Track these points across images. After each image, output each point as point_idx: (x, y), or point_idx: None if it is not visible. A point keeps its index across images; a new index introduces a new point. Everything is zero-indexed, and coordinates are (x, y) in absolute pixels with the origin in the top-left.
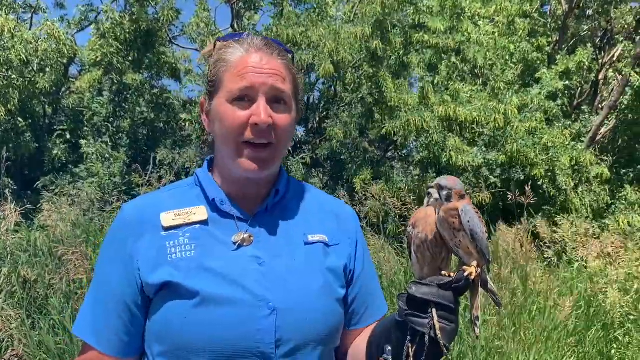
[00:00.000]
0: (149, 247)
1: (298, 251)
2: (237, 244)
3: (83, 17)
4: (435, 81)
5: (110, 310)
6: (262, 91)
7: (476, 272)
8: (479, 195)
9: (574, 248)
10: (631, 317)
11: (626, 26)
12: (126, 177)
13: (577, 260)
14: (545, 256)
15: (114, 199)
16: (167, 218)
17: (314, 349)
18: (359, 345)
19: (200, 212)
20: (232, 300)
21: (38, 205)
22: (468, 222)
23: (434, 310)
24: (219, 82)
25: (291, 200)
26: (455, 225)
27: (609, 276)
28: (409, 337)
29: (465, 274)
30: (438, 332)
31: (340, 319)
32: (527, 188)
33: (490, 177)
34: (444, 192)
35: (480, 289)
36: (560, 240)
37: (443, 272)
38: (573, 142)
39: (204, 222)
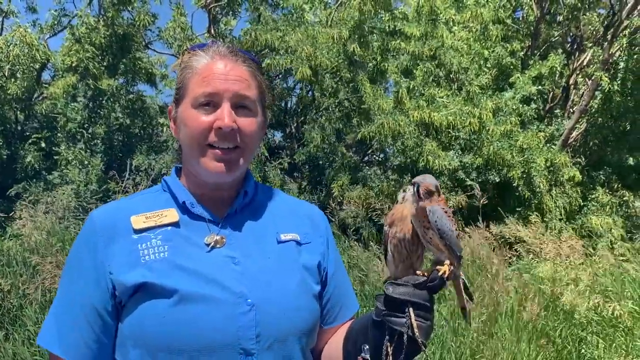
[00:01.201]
0: (121, 251)
1: (272, 250)
2: (210, 246)
3: (56, 22)
4: (411, 86)
5: (78, 318)
6: (227, 97)
7: (449, 270)
8: (455, 199)
9: (532, 250)
10: (595, 318)
11: (594, 32)
12: (103, 184)
13: (537, 263)
14: (508, 258)
15: (91, 207)
16: (138, 221)
17: (294, 343)
18: (334, 343)
19: (171, 215)
20: (210, 297)
21: (11, 214)
22: (435, 221)
23: (410, 309)
24: (184, 89)
25: (260, 202)
26: (425, 223)
27: (563, 279)
28: (387, 337)
29: (440, 273)
30: (416, 330)
31: (317, 314)
32: (477, 191)
33: (467, 180)
34: (416, 188)
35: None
36: (524, 242)
37: (417, 272)
38: (547, 145)
39: (175, 224)
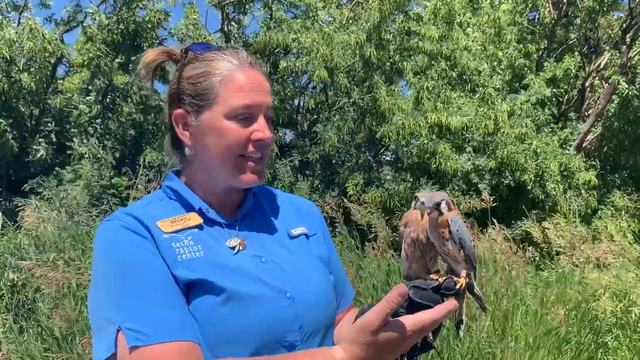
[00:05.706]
0: (159, 248)
1: (288, 246)
2: (235, 249)
3: (72, 18)
4: (425, 87)
5: (167, 293)
6: (263, 109)
7: (466, 281)
8: (469, 202)
9: (559, 252)
10: (621, 322)
11: (612, 35)
12: (114, 179)
13: (562, 267)
14: (528, 260)
15: (103, 202)
16: (165, 225)
17: (325, 333)
18: (344, 328)
19: (195, 218)
20: (255, 294)
21: (23, 208)
22: (457, 230)
23: None
24: (212, 96)
25: (263, 202)
26: (444, 235)
27: (602, 283)
28: None
29: (457, 286)
30: (429, 333)
31: (336, 303)
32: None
33: (480, 183)
34: (443, 206)
35: (467, 294)
36: (547, 244)
37: (431, 275)
38: (562, 148)
39: (199, 227)
